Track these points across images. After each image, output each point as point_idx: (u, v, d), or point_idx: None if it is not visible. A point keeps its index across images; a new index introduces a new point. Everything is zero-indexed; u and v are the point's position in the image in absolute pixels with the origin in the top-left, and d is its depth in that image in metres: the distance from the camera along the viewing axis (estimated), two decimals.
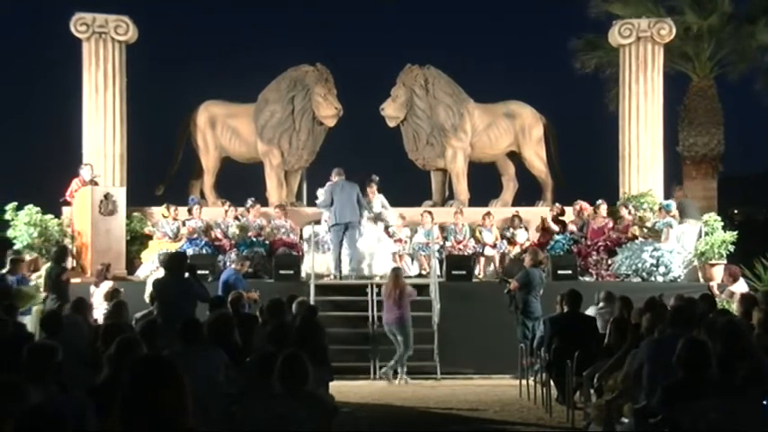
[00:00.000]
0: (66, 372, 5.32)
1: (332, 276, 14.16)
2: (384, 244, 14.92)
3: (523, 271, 12.29)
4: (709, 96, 21.12)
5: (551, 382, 9.52)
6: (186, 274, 9.74)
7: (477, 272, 15.07)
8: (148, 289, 11.63)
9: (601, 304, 10.70)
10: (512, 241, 15.51)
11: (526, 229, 15.78)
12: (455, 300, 13.29)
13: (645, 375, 6.23)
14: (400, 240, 15.36)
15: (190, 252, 14.16)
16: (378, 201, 15.13)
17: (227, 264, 14.52)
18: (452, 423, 9.64)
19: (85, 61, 16.35)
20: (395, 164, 17.56)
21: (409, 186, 17.64)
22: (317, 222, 15.09)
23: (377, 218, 15.09)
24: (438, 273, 13.99)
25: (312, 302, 12.07)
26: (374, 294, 13.09)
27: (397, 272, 12.59)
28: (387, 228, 15.34)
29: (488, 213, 15.81)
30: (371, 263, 14.53)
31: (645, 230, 14.96)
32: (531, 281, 12.06)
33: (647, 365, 6.25)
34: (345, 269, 14.33)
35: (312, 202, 16.38)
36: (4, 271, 12.37)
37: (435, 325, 12.82)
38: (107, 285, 12.28)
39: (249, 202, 15.68)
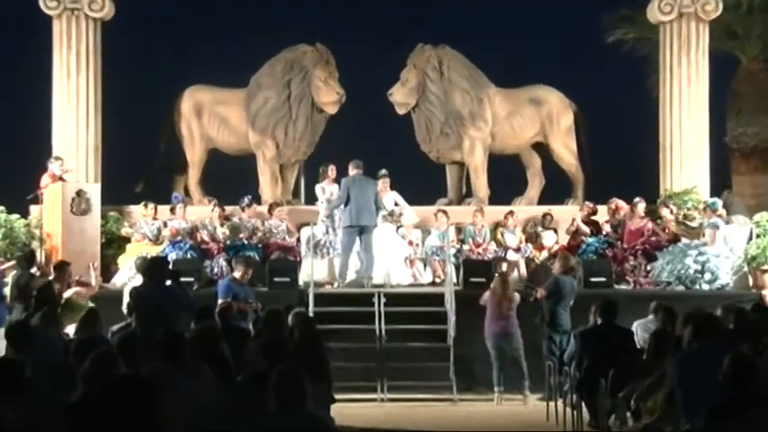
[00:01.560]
0: (37, 390, 5.33)
1: (336, 284, 14.13)
2: (397, 247, 14.87)
3: (553, 278, 12.27)
4: (761, 80, 21.00)
5: (582, 404, 9.49)
6: (168, 282, 9.74)
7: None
8: (126, 299, 11.64)
9: (650, 317, 10.70)
10: (538, 244, 15.48)
11: (555, 231, 15.76)
12: (473, 311, 13.26)
13: (678, 397, 6.24)
14: (411, 243, 15.37)
15: (172, 256, 14.20)
16: (390, 198, 15.09)
17: (215, 270, 14.54)
18: None
19: (56, 41, 16.41)
20: (405, 156, 17.54)
21: (421, 182, 17.61)
22: (316, 223, 15.08)
23: (390, 217, 15.02)
24: (454, 280, 13.99)
25: (311, 313, 12.10)
26: (381, 305, 13.09)
27: (504, 277, 12.42)
28: (397, 228, 15.32)
29: (511, 212, 15.81)
30: (385, 269, 14.47)
31: (683, 227, 14.89)
32: (561, 290, 12.04)
33: (677, 387, 6.28)
34: (351, 275, 14.31)
35: (311, 199, 16.40)
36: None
37: (451, 339, 12.81)
38: (70, 294, 12.29)
39: (246, 200, 15.69)
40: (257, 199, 16.61)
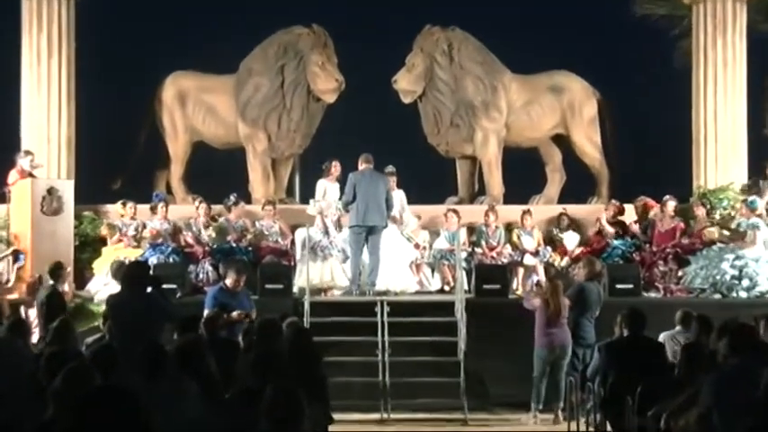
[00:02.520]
0: (8, 407, 5.32)
1: (353, 290, 14.09)
2: (401, 251, 14.85)
3: (578, 285, 12.24)
4: None
5: (607, 424, 9.48)
6: (148, 289, 9.74)
7: (514, 286, 15.10)
8: (102, 307, 11.64)
9: (677, 327, 10.68)
10: (558, 247, 15.48)
11: (576, 231, 15.75)
12: (486, 321, 13.25)
13: (714, 418, 6.24)
14: (418, 246, 15.36)
15: (153, 261, 14.21)
16: (397, 198, 15.04)
17: (201, 276, 14.54)
18: None
19: (25, 22, 16.41)
20: (411, 150, 17.52)
21: (429, 179, 17.62)
22: (312, 224, 15.05)
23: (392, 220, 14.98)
24: (465, 287, 13.99)
25: (306, 324, 12.10)
26: (384, 315, 13.07)
27: (555, 282, 12.34)
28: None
29: (528, 212, 15.81)
30: (389, 275, 14.45)
31: (725, 232, 14.87)
32: (586, 298, 12.00)
33: (713, 406, 6.28)
34: (339, 281, 14.32)
35: (306, 197, 16.40)
36: None
37: (462, 353, 12.79)
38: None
39: (231, 198, 15.67)
40: (247, 197, 16.63)
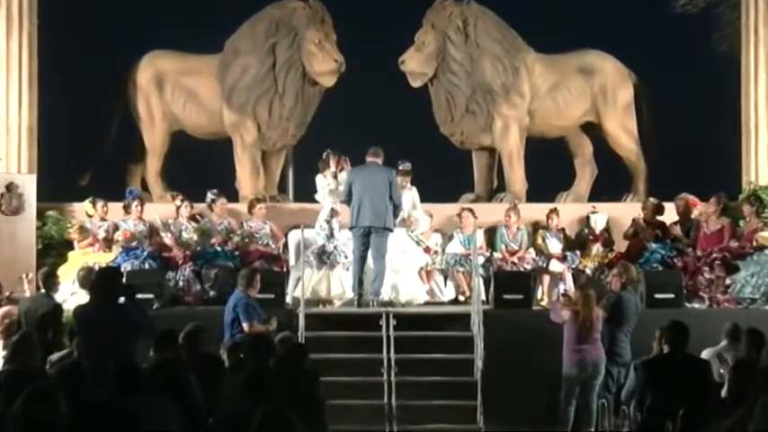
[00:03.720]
0: None
1: (355, 301, 14.09)
2: (409, 255, 14.82)
3: (613, 295, 12.21)
4: None
5: None
6: (121, 299, 9.75)
7: (539, 295, 15.12)
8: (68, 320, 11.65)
9: (724, 342, 10.65)
10: (588, 251, 15.49)
11: (607, 234, 15.78)
12: (507, 336, 13.24)
13: None
14: (428, 250, 15.34)
15: (126, 267, 14.21)
16: (408, 198, 14.98)
17: (181, 283, 14.54)
18: None
19: None
20: (420, 141, 17.51)
21: (441, 173, 17.58)
22: (309, 225, 15.05)
23: (403, 222, 14.90)
24: (483, 297, 13.97)
25: (301, 339, 12.12)
26: (390, 329, 13.07)
27: (587, 291, 12.28)
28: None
29: (555, 211, 15.80)
30: (395, 283, 14.42)
31: None
32: (623, 310, 11.99)
33: None
34: (349, 291, 14.32)
35: (302, 194, 16.39)
36: None
37: (479, 372, 12.78)
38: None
39: (210, 195, 15.70)
40: (234, 194, 16.69)
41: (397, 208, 14.15)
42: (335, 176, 14.56)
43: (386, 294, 14.20)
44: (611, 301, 12.09)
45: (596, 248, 15.42)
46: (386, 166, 14.33)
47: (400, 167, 14.91)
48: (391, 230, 14.06)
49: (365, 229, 13.92)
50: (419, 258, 15.04)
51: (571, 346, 11.79)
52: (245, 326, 11.38)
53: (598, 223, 15.66)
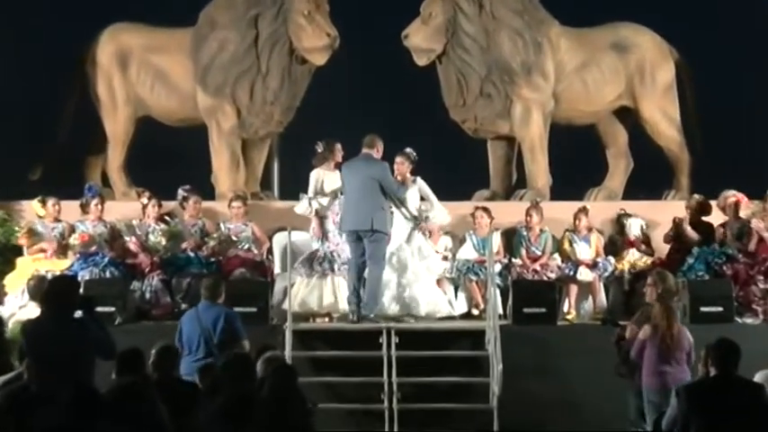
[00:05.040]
0: None
1: (350, 316, 14.09)
2: (430, 262, 14.78)
3: (648, 309, 12.20)
4: None
5: None
6: (77, 313, 9.74)
7: (565, 308, 15.14)
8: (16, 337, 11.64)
9: None
10: (622, 256, 15.51)
11: (644, 237, 15.80)
12: (528, 356, 13.26)
13: None
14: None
15: (84, 276, 14.23)
16: (413, 190, 14.92)
17: (148, 295, 14.56)
18: None
19: None
20: (426, 128, 17.49)
21: (451, 166, 17.57)
22: (297, 227, 15.04)
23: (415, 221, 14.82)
24: (500, 311, 13.99)
25: (288, 359, 12.09)
26: (392, 347, 13.08)
27: (667, 303, 12.18)
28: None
29: (584, 210, 15.80)
30: (412, 293, 14.42)
31: None
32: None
33: None
34: (343, 302, 14.33)
35: (289, 191, 16.37)
36: None
37: (495, 398, 12.80)
38: None
39: (181, 192, 15.73)
40: (210, 192, 16.71)
41: (400, 206, 14.15)
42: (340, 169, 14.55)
43: (393, 307, 14.24)
44: (645, 316, 12.06)
45: (632, 253, 15.39)
46: (384, 158, 14.32)
47: (407, 154, 14.86)
48: (383, 233, 14.01)
49: (352, 233, 14.00)
50: (439, 264, 15.01)
51: (652, 368, 11.71)
52: (245, 343, 11.24)
53: (632, 229, 15.65)
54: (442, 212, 15.06)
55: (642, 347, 11.63)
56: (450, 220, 15.42)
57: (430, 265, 14.76)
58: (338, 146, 14.74)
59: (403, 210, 14.61)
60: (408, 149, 14.87)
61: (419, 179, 14.92)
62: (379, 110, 17.85)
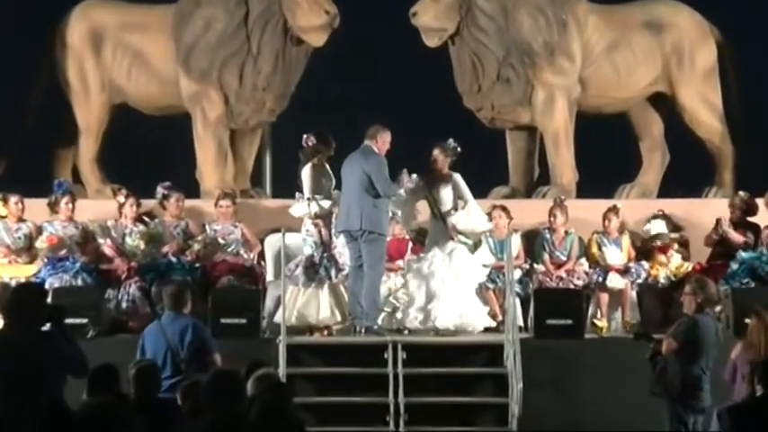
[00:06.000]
0: None
1: (356, 327, 14.13)
2: (460, 268, 14.58)
3: (687, 320, 12.14)
4: None
5: None
6: (45, 326, 9.73)
7: (596, 320, 15.12)
8: None
9: None
10: (658, 261, 15.50)
11: (682, 241, 15.78)
12: (552, 373, 13.26)
13: None
14: None
15: (53, 283, 14.26)
16: (447, 189, 14.80)
17: (124, 305, 14.56)
18: None
19: None
20: (436, 117, 17.49)
21: (466, 160, 17.47)
22: (291, 229, 15.03)
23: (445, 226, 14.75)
24: (520, 322, 14.04)
25: (282, 377, 12.06)
26: (399, 363, 13.10)
27: (764, 318, 12.14)
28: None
29: (614, 210, 15.80)
30: (435, 305, 14.29)
31: None
32: (699, 339, 11.93)
33: None
34: (338, 315, 14.34)
35: (283, 188, 16.36)
36: None
37: (515, 420, 12.83)
38: None
39: (161, 190, 15.73)
40: (194, 189, 16.73)
41: (390, 197, 14.20)
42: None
43: (417, 320, 14.21)
44: (684, 328, 12.00)
45: (671, 256, 15.38)
46: (392, 151, 14.33)
47: (446, 146, 14.85)
48: (377, 233, 14.07)
49: (346, 234, 14.16)
50: (475, 271, 14.78)
51: (741, 391, 11.73)
52: (217, 357, 11.24)
53: (653, 233, 15.68)
54: (477, 217, 14.93)
55: (735, 368, 11.65)
56: (490, 226, 15.23)
57: (462, 271, 14.60)
58: (329, 138, 14.70)
59: (395, 208, 14.69)
60: (450, 141, 14.89)
61: (456, 175, 14.87)
62: (384, 97, 17.84)
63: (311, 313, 14.33)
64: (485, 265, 15.13)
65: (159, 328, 11.53)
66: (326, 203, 14.46)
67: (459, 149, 14.86)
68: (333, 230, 14.53)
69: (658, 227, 15.71)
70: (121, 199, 15.64)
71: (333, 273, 14.41)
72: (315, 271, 14.39)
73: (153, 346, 11.42)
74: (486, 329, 14.82)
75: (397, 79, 18.44)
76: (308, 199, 14.47)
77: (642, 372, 12.16)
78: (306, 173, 14.62)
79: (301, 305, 14.31)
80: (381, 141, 14.20)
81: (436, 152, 14.77)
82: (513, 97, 17.06)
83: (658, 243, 15.56)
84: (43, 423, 6.66)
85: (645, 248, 15.72)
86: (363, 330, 13.96)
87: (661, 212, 16.02)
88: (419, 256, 14.65)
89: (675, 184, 17.56)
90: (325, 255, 14.47)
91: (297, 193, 14.70)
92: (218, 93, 16.86)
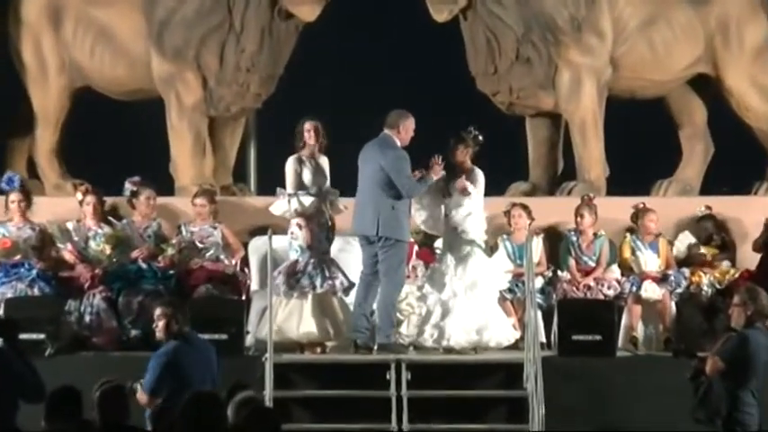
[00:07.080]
0: None
1: (356, 343, 14.21)
2: (474, 277, 14.63)
3: (736, 336, 12.15)
4: None
5: None
6: None
7: (628, 333, 15.11)
8: None
9: None
10: (703, 267, 15.48)
11: (725, 244, 15.82)
12: (578, 396, 13.26)
13: None
14: None
15: (6, 293, 14.37)
16: (475, 199, 14.79)
17: (88, 318, 14.56)
18: None
19: None
20: (446, 103, 17.50)
21: (480, 152, 17.47)
22: (280, 231, 15.03)
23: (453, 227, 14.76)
24: (542, 338, 14.09)
25: (269, 401, 12.21)
26: (403, 385, 13.15)
27: None
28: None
29: (647, 209, 15.76)
30: (446, 319, 14.31)
31: None
32: (749, 357, 11.92)
33: None
34: (321, 331, 14.40)
35: (270, 183, 16.32)
36: None
37: None
38: None
39: (129, 186, 15.72)
40: (168, 185, 16.76)
41: (407, 197, 14.20)
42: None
43: (430, 335, 14.22)
44: (732, 345, 11.98)
45: (724, 264, 15.41)
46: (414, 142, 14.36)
47: (469, 136, 14.90)
48: (395, 239, 14.12)
49: (362, 238, 14.26)
50: (492, 281, 14.82)
51: None
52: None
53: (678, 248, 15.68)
54: (475, 221, 14.93)
55: None
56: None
57: (478, 279, 14.60)
58: (308, 126, 14.73)
59: (421, 211, 14.67)
60: (470, 129, 14.91)
61: (476, 170, 14.94)
62: (385, 80, 17.86)
63: (291, 327, 14.28)
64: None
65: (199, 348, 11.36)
66: (308, 200, 14.45)
67: (481, 138, 14.89)
68: (328, 233, 14.57)
69: (685, 240, 15.69)
70: (83, 196, 15.61)
71: (318, 282, 14.37)
72: (296, 280, 14.36)
73: (200, 375, 10.98)
74: (503, 346, 14.85)
75: (400, 60, 18.48)
76: (289, 195, 14.46)
77: (683, 395, 12.17)
78: (289, 165, 14.65)
79: (282, 318, 14.28)
80: (404, 130, 14.22)
81: (455, 143, 14.75)
82: (533, 80, 17.05)
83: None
84: None
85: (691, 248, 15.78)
86: (376, 347, 14.00)
87: (708, 210, 15.99)
88: (434, 267, 14.61)
89: (720, 179, 17.54)
90: (312, 261, 14.44)
91: (278, 189, 14.70)
92: (195, 75, 16.86)
